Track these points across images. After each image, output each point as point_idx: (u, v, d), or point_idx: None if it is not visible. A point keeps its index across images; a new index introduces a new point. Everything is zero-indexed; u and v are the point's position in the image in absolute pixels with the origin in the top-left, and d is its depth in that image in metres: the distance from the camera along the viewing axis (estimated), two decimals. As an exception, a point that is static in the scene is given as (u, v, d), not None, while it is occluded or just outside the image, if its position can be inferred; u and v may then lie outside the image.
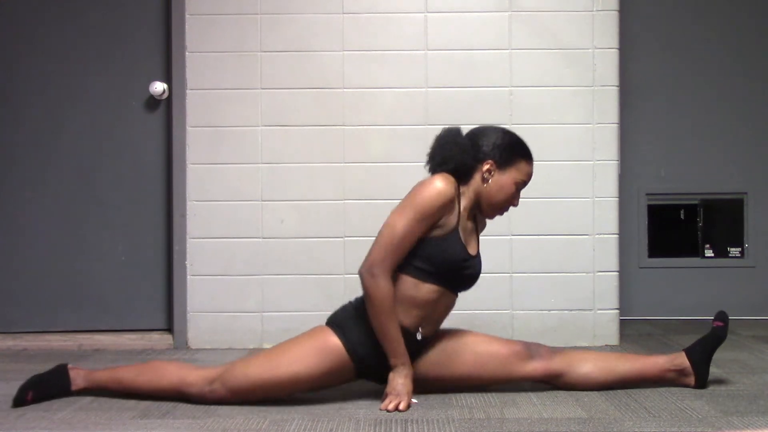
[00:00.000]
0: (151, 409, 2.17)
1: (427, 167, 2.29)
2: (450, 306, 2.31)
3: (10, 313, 3.27)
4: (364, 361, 2.20)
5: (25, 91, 3.27)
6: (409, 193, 2.19)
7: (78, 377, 2.29)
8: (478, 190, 2.25)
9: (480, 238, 2.37)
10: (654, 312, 3.74)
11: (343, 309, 2.31)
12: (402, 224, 2.15)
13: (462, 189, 2.26)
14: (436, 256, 2.19)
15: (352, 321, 2.23)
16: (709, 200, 3.79)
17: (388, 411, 2.11)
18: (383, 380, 2.23)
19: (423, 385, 2.29)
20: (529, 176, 2.29)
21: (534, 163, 2.30)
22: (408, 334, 2.22)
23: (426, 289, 2.21)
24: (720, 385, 2.39)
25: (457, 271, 2.23)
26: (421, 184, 2.18)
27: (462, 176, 2.25)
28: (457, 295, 2.31)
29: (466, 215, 2.26)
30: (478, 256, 2.31)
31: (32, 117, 3.27)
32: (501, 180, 2.24)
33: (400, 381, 2.15)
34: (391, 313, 2.14)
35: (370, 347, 2.19)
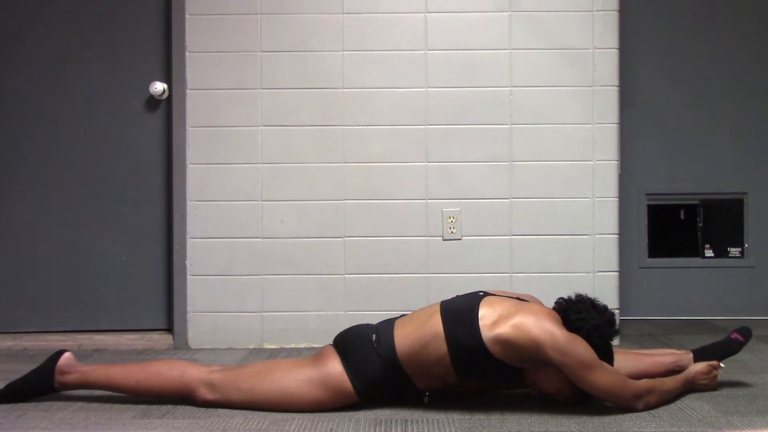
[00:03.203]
0: (151, 409, 2.17)
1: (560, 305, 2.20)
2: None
3: (10, 313, 3.27)
4: (371, 398, 2.16)
5: (24, 91, 3.27)
6: (571, 353, 2.01)
7: (67, 379, 2.21)
8: None
9: (499, 294, 2.28)
10: (654, 312, 3.74)
11: (362, 343, 2.16)
12: (603, 367, 2.05)
13: None
14: (488, 374, 2.12)
15: (368, 362, 2.12)
16: (709, 200, 3.79)
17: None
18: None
19: (423, 392, 2.27)
20: None
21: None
22: (418, 392, 2.18)
23: (448, 377, 2.13)
24: (720, 385, 2.39)
25: (481, 381, 2.20)
26: (575, 340, 2.04)
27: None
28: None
29: None
30: None
31: (32, 117, 3.27)
32: None
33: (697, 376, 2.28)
34: (655, 386, 2.14)
35: (380, 392, 2.15)
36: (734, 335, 2.38)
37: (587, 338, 2.08)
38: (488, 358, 2.05)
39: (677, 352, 2.42)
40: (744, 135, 3.75)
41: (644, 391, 2.10)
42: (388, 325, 2.19)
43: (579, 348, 2.03)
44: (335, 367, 2.14)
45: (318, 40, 3.16)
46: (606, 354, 2.12)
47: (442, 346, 2.07)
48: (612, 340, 2.17)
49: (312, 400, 2.13)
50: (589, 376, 2.02)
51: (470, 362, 2.07)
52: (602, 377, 2.03)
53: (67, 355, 2.26)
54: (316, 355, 2.22)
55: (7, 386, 2.26)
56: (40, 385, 2.24)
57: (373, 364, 2.12)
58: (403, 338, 2.12)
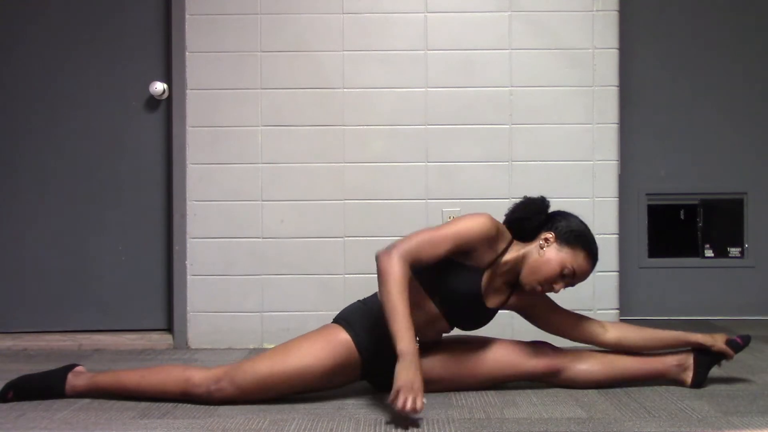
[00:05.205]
0: (151, 409, 2.17)
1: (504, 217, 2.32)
2: (443, 331, 2.32)
3: (10, 313, 3.27)
4: (370, 356, 2.20)
5: (25, 91, 3.27)
6: (457, 217, 2.22)
7: (78, 381, 2.27)
8: (528, 254, 2.22)
9: (507, 310, 2.39)
10: (654, 312, 3.73)
11: (352, 306, 2.33)
12: (437, 232, 2.16)
13: (515, 245, 2.25)
14: (449, 280, 2.19)
15: (361, 316, 2.25)
16: (709, 200, 3.79)
17: (403, 410, 1.90)
18: (386, 386, 2.22)
19: (426, 388, 2.28)
20: (580, 269, 2.20)
21: (593, 266, 2.25)
22: None
23: (427, 305, 2.23)
24: (720, 385, 2.39)
25: (458, 303, 2.23)
26: (470, 214, 2.20)
27: (522, 233, 2.25)
28: (452, 327, 2.31)
29: (504, 270, 2.25)
30: (489, 310, 2.29)
31: (32, 117, 3.27)
32: (552, 255, 2.19)
33: (409, 373, 1.95)
34: (403, 291, 2.04)
35: (377, 342, 2.18)
36: (736, 338, 2.38)
37: (581, 223, 2.25)
38: (451, 265, 2.18)
39: (676, 354, 2.41)
40: (744, 135, 3.75)
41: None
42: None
43: (453, 222, 2.20)
44: (332, 327, 2.25)
45: (318, 40, 3.16)
46: (591, 244, 2.23)
47: (413, 279, 2.16)
48: (539, 208, 2.27)
49: (313, 354, 2.16)
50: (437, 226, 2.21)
51: (440, 278, 2.19)
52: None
53: (80, 366, 2.35)
54: (316, 329, 2.30)
55: (22, 377, 2.28)
56: (54, 382, 2.27)
57: (363, 314, 2.25)
58: None
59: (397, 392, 1.94)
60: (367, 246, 3.15)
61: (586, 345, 2.38)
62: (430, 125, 3.16)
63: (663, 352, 2.41)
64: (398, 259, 2.09)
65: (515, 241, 2.26)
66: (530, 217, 2.25)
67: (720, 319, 3.67)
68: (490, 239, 2.18)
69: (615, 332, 2.35)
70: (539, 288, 2.21)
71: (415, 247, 2.13)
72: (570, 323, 2.36)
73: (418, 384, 1.95)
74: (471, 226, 2.16)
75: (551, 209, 2.30)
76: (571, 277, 2.21)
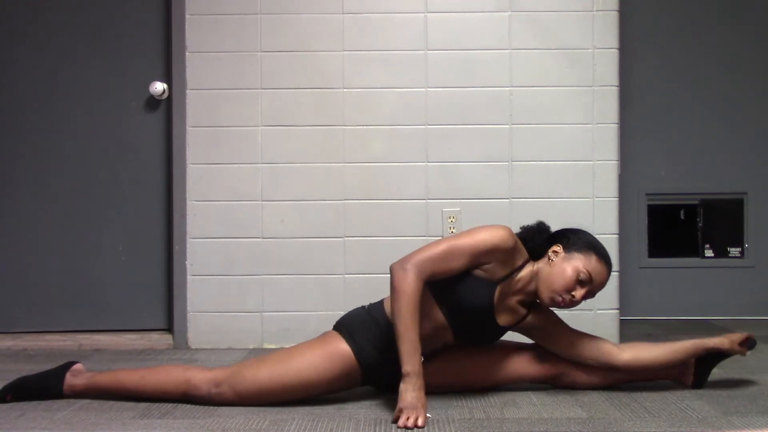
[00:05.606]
0: (151, 409, 2.17)
1: None
2: (447, 344, 2.27)
3: (10, 313, 3.27)
4: (371, 367, 2.20)
5: (25, 92, 3.27)
6: (475, 227, 2.20)
7: (77, 381, 2.26)
8: (540, 269, 2.20)
9: (518, 333, 2.35)
10: (654, 312, 3.74)
11: (356, 313, 2.28)
12: (454, 244, 2.13)
13: (530, 264, 2.23)
14: (461, 291, 2.16)
15: (364, 326, 2.21)
16: (709, 200, 3.79)
17: (406, 428, 1.94)
18: (388, 388, 2.21)
19: (426, 389, 2.27)
20: (595, 272, 2.17)
21: (609, 271, 2.21)
22: None
23: (435, 314, 2.20)
24: (720, 385, 2.39)
25: (468, 316, 2.20)
26: (489, 226, 2.18)
27: (531, 253, 2.24)
28: (457, 340, 2.27)
29: (518, 288, 2.22)
30: (500, 327, 2.26)
31: (32, 117, 3.27)
32: (563, 264, 2.17)
33: (413, 394, 1.99)
34: (414, 312, 2.04)
35: (379, 355, 2.18)
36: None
37: (590, 234, 2.27)
38: (463, 275, 2.15)
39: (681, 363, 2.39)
40: (744, 135, 3.76)
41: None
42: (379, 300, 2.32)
43: (470, 232, 2.17)
44: (334, 336, 2.22)
45: (318, 40, 3.16)
46: (600, 249, 2.21)
47: (425, 289, 2.13)
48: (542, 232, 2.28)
49: (314, 367, 2.15)
50: (452, 236, 2.20)
51: (451, 288, 2.16)
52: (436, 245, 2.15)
53: (78, 364, 2.34)
54: (317, 337, 2.28)
55: (20, 379, 2.27)
56: (52, 382, 2.26)
57: (367, 325, 2.21)
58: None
59: (400, 411, 1.99)
60: (367, 246, 3.15)
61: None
62: (430, 125, 3.16)
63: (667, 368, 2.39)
64: (413, 275, 2.07)
65: (530, 261, 2.25)
66: (533, 237, 2.25)
67: (720, 319, 3.67)
68: (507, 252, 2.16)
69: (630, 352, 2.29)
70: (560, 299, 2.16)
71: (431, 261, 2.11)
72: (585, 344, 2.31)
73: (421, 404, 2.00)
74: (489, 238, 2.13)
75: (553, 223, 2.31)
76: (588, 283, 2.17)
